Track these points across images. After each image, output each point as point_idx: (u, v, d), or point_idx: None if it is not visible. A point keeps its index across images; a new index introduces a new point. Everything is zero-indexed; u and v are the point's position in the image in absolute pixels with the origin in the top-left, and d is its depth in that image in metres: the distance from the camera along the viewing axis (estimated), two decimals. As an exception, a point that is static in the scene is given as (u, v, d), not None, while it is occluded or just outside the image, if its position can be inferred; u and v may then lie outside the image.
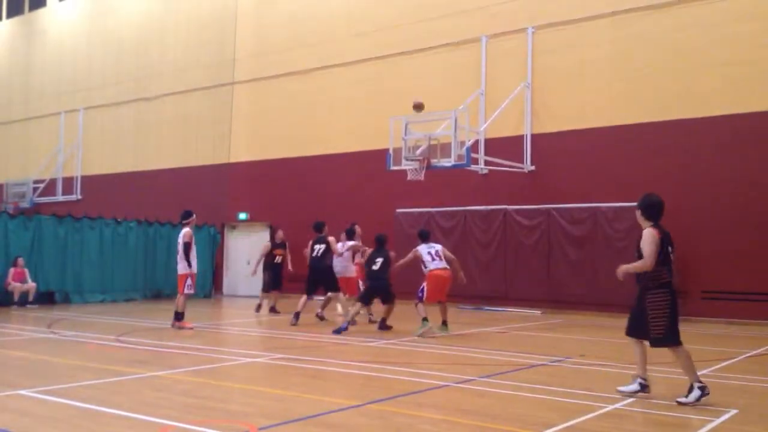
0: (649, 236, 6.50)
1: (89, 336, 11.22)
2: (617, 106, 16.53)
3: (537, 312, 16.53)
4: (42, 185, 28.35)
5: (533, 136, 17.58)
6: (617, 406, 6.31)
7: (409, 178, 15.82)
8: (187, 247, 12.53)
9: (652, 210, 6.68)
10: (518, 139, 17.69)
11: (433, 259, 11.84)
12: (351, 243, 14.25)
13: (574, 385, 7.27)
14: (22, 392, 6.50)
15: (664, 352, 6.69)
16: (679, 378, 7.89)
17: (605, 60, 16.77)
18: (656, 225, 6.64)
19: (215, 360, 9.07)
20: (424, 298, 11.72)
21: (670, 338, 6.49)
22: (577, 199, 16.76)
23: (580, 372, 8.44)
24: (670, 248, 6.57)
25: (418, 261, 12.02)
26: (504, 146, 17.57)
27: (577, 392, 6.89)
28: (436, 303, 11.96)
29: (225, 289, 22.93)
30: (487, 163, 17.37)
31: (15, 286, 16.86)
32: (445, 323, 12.01)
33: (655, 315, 6.47)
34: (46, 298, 17.75)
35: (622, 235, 15.75)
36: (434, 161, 15.36)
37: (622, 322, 7.05)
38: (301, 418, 5.66)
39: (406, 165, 15.67)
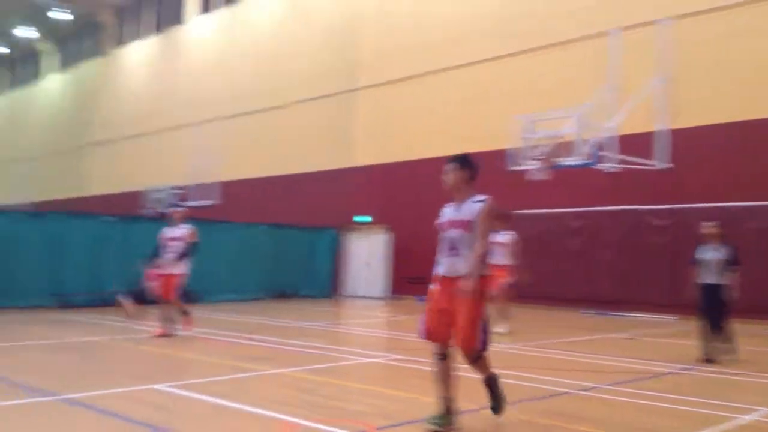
0: None
1: (218, 333, 11.76)
2: (754, 98, 15.46)
3: (671, 318, 15.66)
4: (182, 191, 30.05)
5: (667, 131, 16.66)
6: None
7: (531, 177, 15.45)
8: None
9: None
10: (647, 136, 16.80)
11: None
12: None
13: (709, 395, 6.83)
14: (156, 387, 6.82)
15: None
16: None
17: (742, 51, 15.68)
18: None
19: (334, 359, 9.25)
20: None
21: None
22: (712, 198, 15.77)
23: (714, 381, 7.92)
24: None
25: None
26: (632, 143, 16.75)
27: (711, 402, 6.46)
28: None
29: (345, 291, 23.39)
30: (616, 161, 16.64)
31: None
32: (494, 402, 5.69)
33: None
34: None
35: (756, 236, 14.76)
36: (559, 160, 14.92)
37: None
38: (419, 420, 5.61)
39: (528, 164, 15.32)
